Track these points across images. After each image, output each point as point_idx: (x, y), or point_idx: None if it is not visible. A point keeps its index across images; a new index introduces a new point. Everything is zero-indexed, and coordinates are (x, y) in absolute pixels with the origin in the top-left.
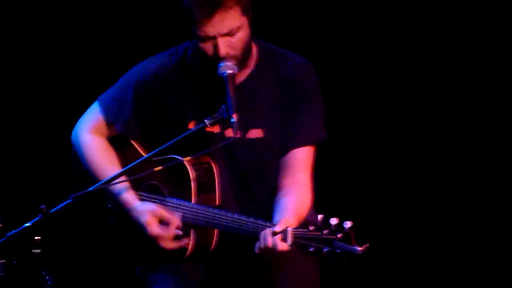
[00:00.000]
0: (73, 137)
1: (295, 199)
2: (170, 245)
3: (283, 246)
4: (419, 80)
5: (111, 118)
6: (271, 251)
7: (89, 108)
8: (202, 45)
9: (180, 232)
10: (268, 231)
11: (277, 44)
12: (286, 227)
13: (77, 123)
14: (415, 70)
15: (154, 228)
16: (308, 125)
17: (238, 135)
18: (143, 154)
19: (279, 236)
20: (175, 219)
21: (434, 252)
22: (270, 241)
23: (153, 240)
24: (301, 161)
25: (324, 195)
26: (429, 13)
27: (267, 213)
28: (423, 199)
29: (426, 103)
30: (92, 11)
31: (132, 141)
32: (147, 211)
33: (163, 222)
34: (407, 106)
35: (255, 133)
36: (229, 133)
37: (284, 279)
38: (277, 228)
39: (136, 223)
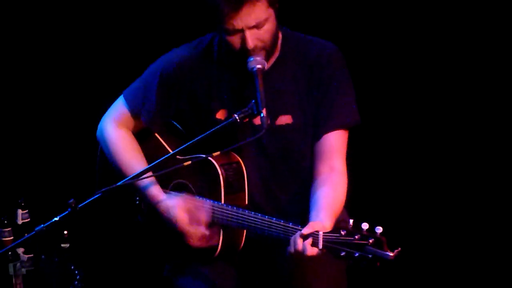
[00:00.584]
0: (98, 132)
1: (331, 191)
2: (198, 243)
3: (313, 250)
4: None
5: (136, 110)
6: (301, 255)
7: (114, 102)
8: (229, 38)
9: (207, 232)
10: (298, 235)
11: (304, 32)
12: (316, 231)
13: (103, 117)
14: (430, 61)
15: (184, 224)
16: (339, 108)
17: (264, 130)
18: (168, 149)
19: (309, 241)
20: (205, 217)
21: (462, 255)
22: (300, 245)
23: (181, 236)
24: (334, 146)
25: (353, 197)
26: (431, 10)
27: (301, 205)
28: (449, 204)
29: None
30: (116, 8)
31: (156, 135)
32: (176, 206)
33: (193, 219)
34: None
35: (285, 120)
36: (257, 121)
37: (312, 280)
38: (306, 231)
39: (164, 217)
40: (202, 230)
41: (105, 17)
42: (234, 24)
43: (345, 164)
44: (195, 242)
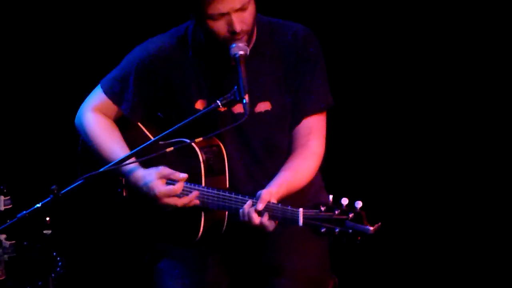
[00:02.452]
0: (76, 120)
1: (294, 163)
2: (179, 201)
3: (271, 224)
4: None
5: (115, 99)
6: (251, 225)
7: (92, 92)
8: (213, 23)
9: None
10: (252, 210)
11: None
12: (262, 201)
13: (81, 106)
14: (428, 55)
15: (161, 187)
16: (317, 91)
17: (246, 113)
18: (150, 136)
19: (252, 210)
20: (180, 175)
21: (443, 235)
22: (256, 219)
23: (162, 203)
24: (312, 128)
25: (332, 174)
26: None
27: None
28: (432, 183)
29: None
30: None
31: (138, 124)
32: (153, 173)
33: (169, 182)
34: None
35: (263, 106)
36: (237, 109)
37: (295, 261)
38: (259, 206)
39: (144, 191)
40: (181, 186)
41: (82, 8)
42: (219, 7)
43: (322, 146)
44: (176, 201)
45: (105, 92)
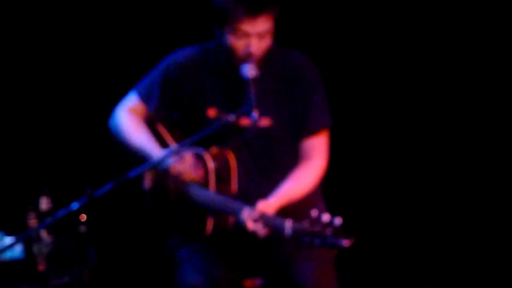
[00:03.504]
0: (111, 120)
1: (296, 176)
2: (192, 175)
3: (250, 226)
4: (414, 74)
5: (144, 101)
6: (245, 230)
7: (126, 96)
8: (234, 39)
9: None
10: (248, 217)
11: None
12: (257, 212)
13: (115, 109)
14: (413, 65)
15: (176, 166)
16: (317, 112)
17: (254, 127)
18: (169, 138)
19: (248, 217)
20: (187, 154)
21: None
22: (251, 226)
23: (179, 177)
24: (315, 147)
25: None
26: (429, 12)
27: None
28: (430, 185)
29: (419, 97)
30: (125, 12)
31: (160, 124)
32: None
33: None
34: (397, 102)
35: (264, 122)
36: (243, 121)
37: (303, 264)
38: (254, 216)
39: (163, 176)
40: (191, 161)
41: (114, 20)
42: (246, 28)
43: (325, 160)
44: (190, 174)
45: (137, 93)
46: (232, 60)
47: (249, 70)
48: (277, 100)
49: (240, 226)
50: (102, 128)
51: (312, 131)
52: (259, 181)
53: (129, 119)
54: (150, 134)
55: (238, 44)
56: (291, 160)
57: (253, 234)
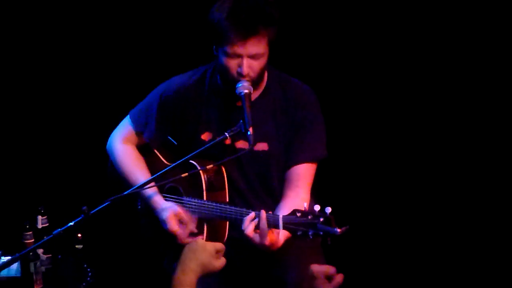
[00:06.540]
0: (108, 147)
1: (292, 203)
2: (186, 240)
3: (250, 232)
4: (411, 89)
5: (139, 128)
6: (242, 234)
7: (122, 121)
8: (227, 60)
9: (195, 230)
10: (251, 225)
11: (281, 68)
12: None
13: (112, 134)
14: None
15: (174, 225)
16: (310, 144)
17: (251, 146)
18: (164, 161)
19: (252, 224)
20: (192, 219)
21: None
22: (251, 235)
23: (172, 235)
24: (302, 176)
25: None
26: (427, 14)
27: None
28: (427, 185)
29: (412, 106)
30: (124, 34)
31: (155, 150)
32: (169, 209)
33: (181, 221)
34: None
35: (261, 146)
36: (239, 145)
37: (293, 271)
38: (266, 241)
39: (159, 220)
40: (190, 229)
41: (117, 42)
42: (236, 50)
43: (309, 193)
44: (183, 240)
45: (133, 124)
46: (227, 80)
47: (243, 88)
48: (275, 126)
49: (234, 237)
50: (99, 148)
51: (305, 160)
52: (250, 200)
53: (125, 153)
54: (144, 167)
55: (231, 64)
56: (281, 184)
57: (248, 240)
